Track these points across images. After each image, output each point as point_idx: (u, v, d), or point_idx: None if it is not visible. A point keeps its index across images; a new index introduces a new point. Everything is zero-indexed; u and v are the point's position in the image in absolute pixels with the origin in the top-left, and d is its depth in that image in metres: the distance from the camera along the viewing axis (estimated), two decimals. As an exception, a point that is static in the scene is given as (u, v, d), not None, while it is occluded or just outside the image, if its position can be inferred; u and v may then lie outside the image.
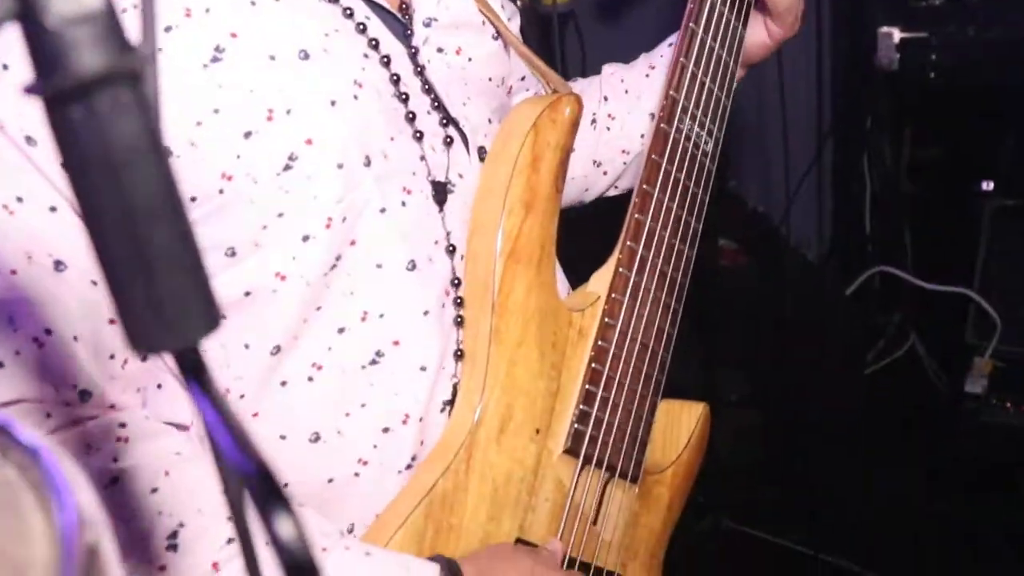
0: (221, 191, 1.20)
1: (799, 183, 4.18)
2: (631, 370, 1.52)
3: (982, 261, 4.19)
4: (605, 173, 1.84)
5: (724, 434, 3.90)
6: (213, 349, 1.25)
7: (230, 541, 1.17)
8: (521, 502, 1.40)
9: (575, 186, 1.81)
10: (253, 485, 0.62)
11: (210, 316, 0.65)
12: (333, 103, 1.26)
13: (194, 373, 0.64)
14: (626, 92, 1.81)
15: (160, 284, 0.62)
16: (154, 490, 1.17)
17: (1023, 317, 4.13)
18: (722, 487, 3.87)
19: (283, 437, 1.30)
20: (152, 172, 0.59)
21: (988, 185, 4.13)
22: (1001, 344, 4.13)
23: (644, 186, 1.51)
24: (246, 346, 1.26)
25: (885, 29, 4.04)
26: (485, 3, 1.54)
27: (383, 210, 1.31)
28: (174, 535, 1.15)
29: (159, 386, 1.28)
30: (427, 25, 1.44)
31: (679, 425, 1.71)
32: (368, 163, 1.29)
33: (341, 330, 1.30)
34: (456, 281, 1.39)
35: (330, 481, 1.32)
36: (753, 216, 4.21)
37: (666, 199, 1.54)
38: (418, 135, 1.37)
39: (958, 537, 3.71)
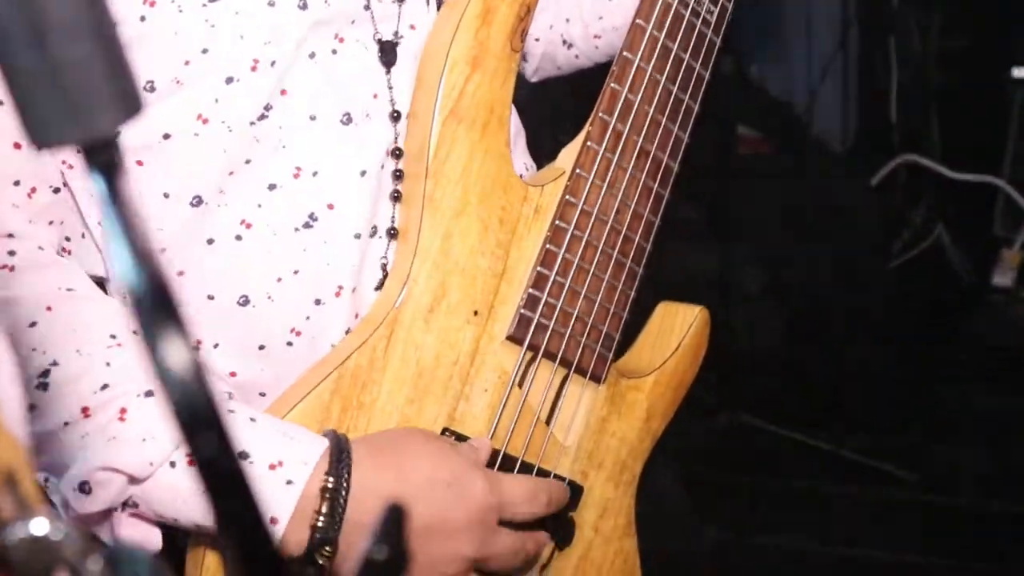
0: (143, 18, 1.16)
1: (824, 71, 4.06)
2: (598, 256, 1.38)
3: (1012, 150, 4.08)
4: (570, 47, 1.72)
5: (743, 326, 3.84)
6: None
7: (104, 387, 1.11)
8: (452, 389, 1.29)
9: (548, 57, 1.71)
10: (142, 301, 0.54)
11: (128, 103, 0.55)
12: None
13: (105, 174, 0.55)
14: None
15: (66, 63, 0.53)
16: (32, 324, 1.12)
17: None
18: (741, 382, 3.82)
19: (211, 297, 1.23)
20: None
21: (1020, 72, 4.02)
22: (1031, 235, 4.05)
23: (625, 53, 1.37)
24: (165, 195, 1.20)
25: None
26: None
27: (312, 55, 1.24)
28: (45, 374, 1.11)
29: (83, 235, 1.23)
30: None
31: (671, 329, 1.55)
32: (304, 6, 1.23)
33: (272, 186, 1.23)
34: (397, 152, 1.29)
35: (261, 348, 1.25)
36: (775, 104, 4.09)
37: (651, 69, 1.39)
38: None
39: (985, 429, 3.65)
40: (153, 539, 1.17)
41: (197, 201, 1.21)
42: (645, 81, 1.39)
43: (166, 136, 1.18)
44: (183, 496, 1.12)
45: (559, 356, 1.37)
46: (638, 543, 1.54)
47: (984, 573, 3.04)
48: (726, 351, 3.78)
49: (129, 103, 0.55)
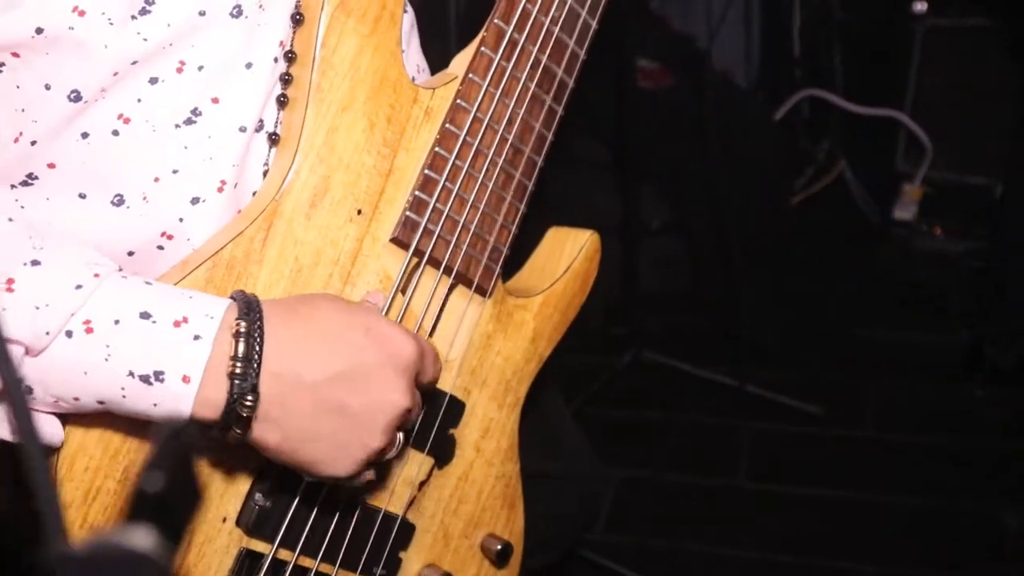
0: None
1: (726, 5, 4.06)
2: (487, 165, 1.37)
3: (914, 84, 4.16)
4: None
5: (646, 262, 3.85)
6: (6, 87, 1.16)
7: None
8: (332, 287, 1.27)
9: None
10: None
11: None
12: None
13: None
14: None
15: None
16: None
17: (954, 143, 4.12)
18: (644, 317, 3.84)
19: (83, 196, 1.20)
20: None
21: (921, 6, 4.07)
22: (932, 170, 4.12)
23: None
24: (47, 87, 1.16)
25: None
26: None
27: None
28: None
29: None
30: None
31: (561, 253, 1.56)
32: None
33: (153, 80, 1.20)
34: (291, 54, 1.27)
35: (131, 254, 1.23)
36: (677, 38, 4.09)
37: None
38: None
39: (887, 360, 3.71)
40: (56, 433, 1.14)
41: (76, 96, 1.17)
42: None
43: (39, 31, 1.13)
44: (84, 367, 1.08)
45: (444, 263, 1.37)
46: (529, 466, 1.54)
47: (889, 504, 3.10)
48: (629, 287, 3.81)
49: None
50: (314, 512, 1.30)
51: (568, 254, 1.55)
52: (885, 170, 4.19)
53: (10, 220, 1.15)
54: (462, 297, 1.41)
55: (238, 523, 1.24)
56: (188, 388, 1.09)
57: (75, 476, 1.14)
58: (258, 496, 1.25)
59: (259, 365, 1.10)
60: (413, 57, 1.47)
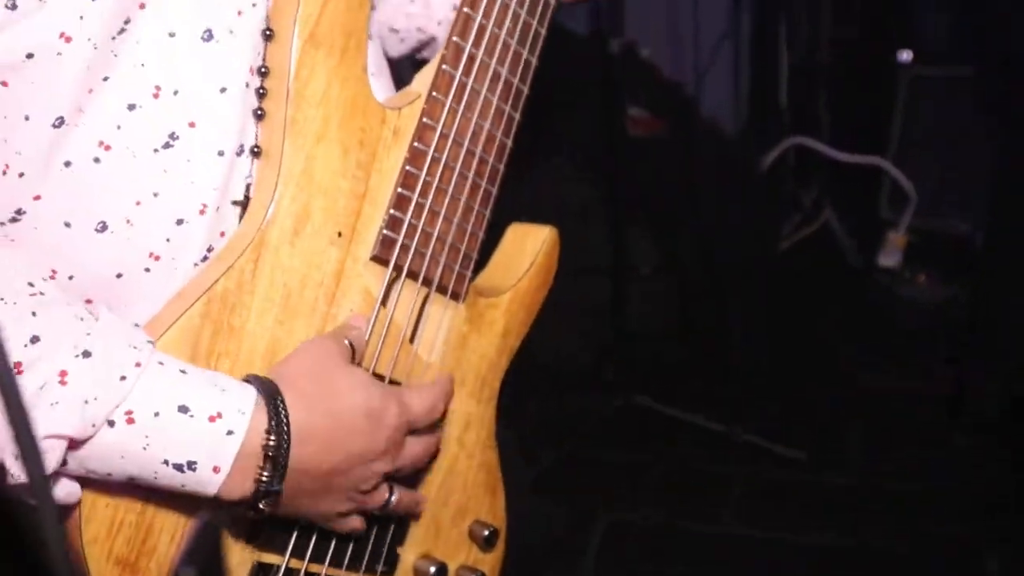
0: None
1: (714, 53, 4.17)
2: (455, 177, 1.47)
3: (898, 132, 4.23)
4: (402, 40, 1.82)
5: (637, 304, 3.93)
6: None
7: (35, 340, 1.14)
8: (319, 310, 1.36)
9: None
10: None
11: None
12: None
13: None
14: None
15: None
16: None
17: (937, 191, 4.18)
18: (635, 360, 3.90)
19: (68, 224, 1.26)
20: None
21: (907, 55, 4.15)
22: (916, 218, 4.18)
23: None
24: (27, 118, 1.21)
25: None
26: None
27: None
28: None
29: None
30: None
31: (523, 250, 1.66)
32: None
33: (131, 107, 1.26)
34: (264, 69, 1.34)
35: (119, 276, 1.30)
36: (667, 86, 4.20)
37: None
38: None
39: (873, 408, 3.77)
40: (75, 493, 1.21)
41: (59, 122, 1.22)
42: (496, 6, 1.47)
43: (29, 56, 1.19)
44: (122, 452, 1.17)
45: (421, 275, 1.46)
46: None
47: (872, 549, 3.19)
48: (620, 330, 3.89)
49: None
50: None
51: (531, 250, 1.65)
52: (870, 217, 4.27)
53: (44, 281, 1.23)
54: (439, 304, 1.51)
55: (249, 540, 1.34)
56: (217, 477, 1.20)
57: (97, 513, 1.22)
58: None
59: (284, 475, 1.23)
60: (384, 90, 1.57)
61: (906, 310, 4.11)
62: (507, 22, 1.49)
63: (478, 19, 1.46)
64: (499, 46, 1.49)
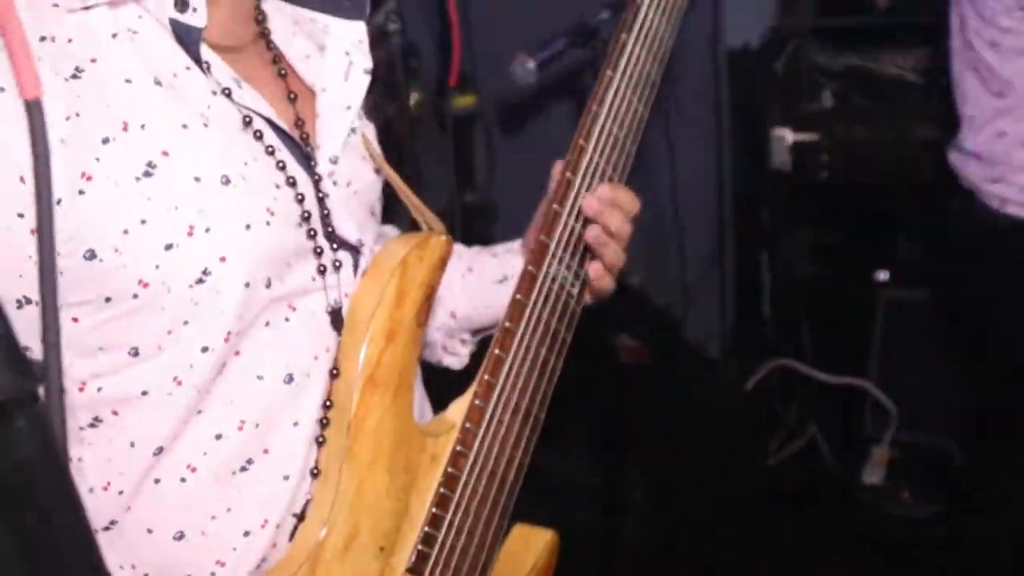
0: (136, 296, 1.36)
1: (700, 278, 4.38)
2: (479, 497, 1.66)
3: (877, 352, 4.39)
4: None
5: (628, 532, 4.06)
6: (98, 443, 1.41)
7: None
8: None
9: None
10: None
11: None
12: (248, 227, 1.43)
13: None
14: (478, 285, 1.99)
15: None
16: None
17: (919, 407, 4.32)
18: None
19: (150, 531, 1.45)
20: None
21: (883, 275, 4.32)
22: (898, 434, 4.32)
23: (507, 324, 1.69)
24: (132, 444, 1.42)
25: (779, 131, 4.29)
26: (367, 139, 1.73)
27: (268, 324, 1.49)
28: None
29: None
30: (333, 162, 1.60)
31: (525, 552, 1.86)
32: (269, 284, 1.47)
33: (218, 436, 1.47)
34: (328, 403, 1.55)
35: None
36: (655, 313, 4.41)
37: (528, 337, 1.70)
38: (320, 265, 1.56)
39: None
40: None
41: (159, 451, 1.43)
42: (524, 347, 1.71)
43: (144, 393, 1.40)
44: None
45: (447, 584, 1.66)
46: None
47: None
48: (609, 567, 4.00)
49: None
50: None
51: (533, 553, 1.86)
52: (853, 433, 4.42)
53: None
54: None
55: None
56: None
57: None
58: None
59: None
60: (423, 402, 1.80)
61: (890, 527, 4.24)
62: (530, 360, 1.72)
63: (507, 360, 1.69)
64: (523, 382, 1.71)
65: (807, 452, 4.46)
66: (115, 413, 1.41)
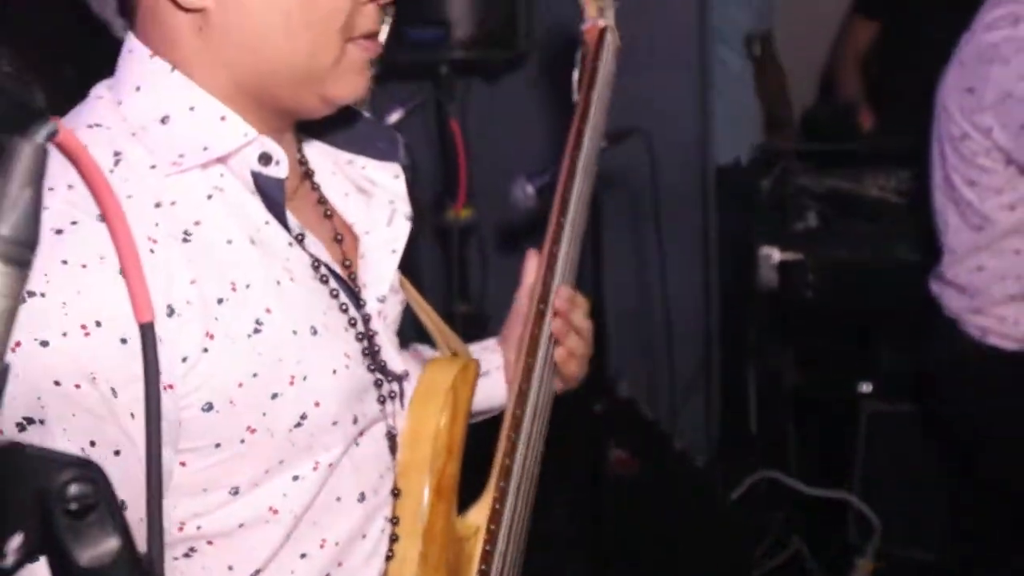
0: (242, 441, 1.48)
1: (687, 389, 4.50)
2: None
3: (860, 464, 4.47)
4: None
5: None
6: (190, 571, 1.53)
7: None
8: None
9: None
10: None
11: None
12: (334, 372, 1.57)
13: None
14: None
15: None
16: None
17: (901, 519, 4.40)
18: None
19: (231, 568, 1.55)
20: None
21: (867, 387, 4.42)
22: (882, 545, 4.40)
23: (510, 435, 1.92)
24: (230, 567, 1.54)
25: (766, 250, 4.43)
26: (403, 278, 1.86)
27: (346, 451, 1.61)
28: None
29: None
30: (381, 301, 1.72)
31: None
32: (356, 421, 1.62)
33: (303, 555, 1.60)
34: (395, 519, 1.73)
35: None
36: (645, 424, 4.53)
37: (529, 439, 1.98)
38: (380, 395, 1.69)
39: None
40: None
41: (255, 573, 1.56)
42: (526, 450, 1.98)
43: (241, 526, 1.53)
44: None
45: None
46: None
47: None
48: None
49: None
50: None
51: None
52: (838, 544, 4.48)
53: None
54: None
55: None
56: None
57: None
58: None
59: None
60: None
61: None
62: (529, 456, 2.00)
63: (513, 465, 1.95)
64: (527, 474, 2.00)
65: (792, 563, 4.52)
66: (210, 543, 1.53)
